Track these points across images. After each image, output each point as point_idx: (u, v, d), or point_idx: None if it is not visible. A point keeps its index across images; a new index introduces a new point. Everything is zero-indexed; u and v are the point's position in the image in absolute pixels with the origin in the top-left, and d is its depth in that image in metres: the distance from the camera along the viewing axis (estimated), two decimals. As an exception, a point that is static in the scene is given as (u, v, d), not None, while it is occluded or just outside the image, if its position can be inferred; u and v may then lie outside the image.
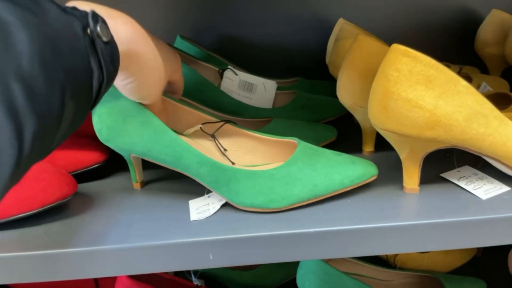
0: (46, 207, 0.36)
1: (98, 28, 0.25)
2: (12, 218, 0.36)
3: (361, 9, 0.70)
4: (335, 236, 0.36)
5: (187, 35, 0.66)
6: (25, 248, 0.35)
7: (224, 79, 0.59)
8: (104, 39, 0.26)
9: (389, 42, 0.50)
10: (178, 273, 0.66)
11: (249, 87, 0.60)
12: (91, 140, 0.45)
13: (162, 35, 0.66)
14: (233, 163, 0.41)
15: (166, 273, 0.61)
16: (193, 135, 0.42)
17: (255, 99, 0.60)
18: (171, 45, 0.57)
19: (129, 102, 0.37)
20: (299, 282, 0.57)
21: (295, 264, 0.67)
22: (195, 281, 0.61)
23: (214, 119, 0.43)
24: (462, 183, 0.40)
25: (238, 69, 0.61)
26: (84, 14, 0.25)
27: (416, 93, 0.34)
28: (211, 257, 0.35)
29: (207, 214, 0.37)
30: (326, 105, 0.58)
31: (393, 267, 0.64)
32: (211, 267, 0.35)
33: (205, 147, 0.42)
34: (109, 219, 0.38)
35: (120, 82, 0.33)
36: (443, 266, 0.66)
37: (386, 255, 0.66)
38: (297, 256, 0.36)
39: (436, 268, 0.66)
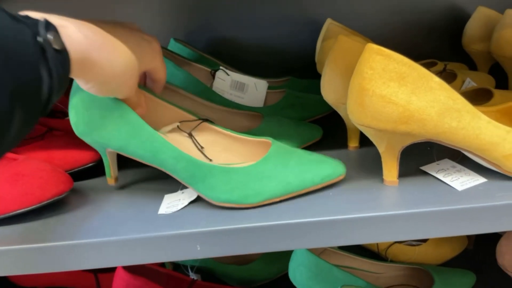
0: (43, 202, 0.38)
1: (50, 36, 0.25)
2: (12, 213, 0.38)
3: (351, 9, 0.71)
4: (318, 227, 0.37)
5: (180, 37, 0.68)
6: (24, 241, 0.37)
7: (216, 79, 0.61)
8: (56, 47, 0.26)
9: (378, 41, 0.52)
10: (175, 268, 0.68)
11: (240, 87, 0.62)
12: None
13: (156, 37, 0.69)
14: (210, 160, 0.42)
15: (164, 267, 0.63)
16: (170, 132, 0.43)
17: (246, 99, 0.62)
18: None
19: (105, 97, 0.38)
20: (291, 274, 0.59)
21: (288, 259, 0.69)
22: (192, 276, 0.63)
23: (192, 117, 0.44)
24: (440, 176, 0.42)
25: (230, 70, 0.63)
26: (35, 22, 0.25)
27: (390, 90, 0.36)
28: (198, 248, 0.37)
29: (175, 209, 0.39)
30: (315, 103, 0.60)
31: (384, 260, 0.66)
32: (199, 257, 0.37)
33: (183, 144, 0.43)
34: (103, 214, 0.40)
35: (82, 85, 0.34)
36: (434, 258, 0.68)
37: (378, 248, 0.68)
38: (281, 246, 0.38)
39: (427, 260, 0.68)
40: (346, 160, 0.44)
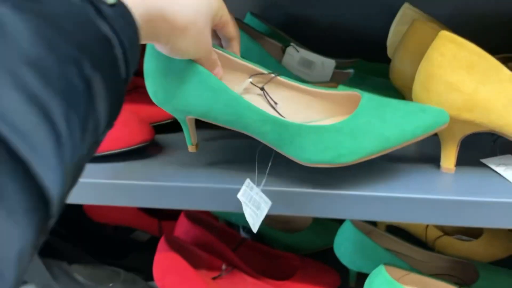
0: (130, 147, 0.44)
1: None
2: (103, 153, 0.45)
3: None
4: (373, 201, 0.39)
5: (256, 11, 0.72)
6: (109, 177, 0.43)
7: (286, 55, 0.64)
8: (109, 1, 0.23)
9: (452, 29, 0.51)
10: (229, 225, 0.73)
11: (308, 64, 0.64)
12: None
13: (232, 10, 0.73)
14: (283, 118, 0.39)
15: (218, 221, 0.69)
16: (244, 90, 0.41)
17: (313, 76, 0.64)
18: None
19: (184, 61, 0.36)
20: (336, 247, 0.62)
21: (334, 234, 0.72)
22: (243, 234, 0.68)
23: (264, 71, 0.41)
24: (500, 170, 0.42)
25: (300, 47, 0.65)
26: None
27: (458, 77, 0.37)
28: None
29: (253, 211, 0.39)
30: (380, 86, 0.60)
31: (431, 250, 0.66)
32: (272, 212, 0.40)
33: (256, 102, 0.39)
34: (178, 163, 0.46)
35: (155, 44, 0.32)
36: (483, 256, 0.67)
37: (426, 238, 0.69)
38: (339, 214, 0.41)
39: (474, 257, 0.67)
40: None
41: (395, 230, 0.71)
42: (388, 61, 0.70)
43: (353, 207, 0.40)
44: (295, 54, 0.64)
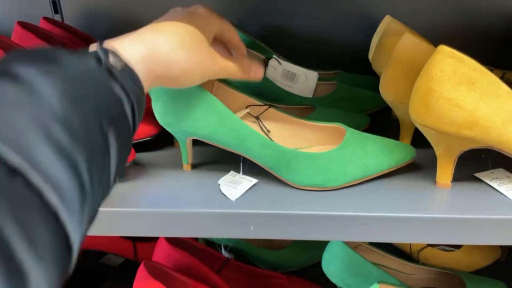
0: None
1: (110, 59, 0.27)
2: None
3: (407, 7, 0.70)
4: (368, 221, 0.38)
5: (235, 22, 0.69)
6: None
7: (269, 67, 0.62)
8: (119, 67, 0.27)
9: (432, 41, 0.51)
10: (208, 245, 0.70)
11: (291, 77, 0.63)
12: (146, 114, 0.49)
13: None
14: None
15: (198, 242, 0.66)
16: (241, 118, 0.44)
17: (296, 88, 0.63)
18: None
19: (193, 88, 0.39)
20: (324, 265, 0.60)
21: (319, 249, 0.70)
22: (225, 254, 0.65)
23: (260, 103, 0.46)
24: (494, 184, 0.42)
25: (281, 59, 0.63)
26: (95, 52, 0.27)
27: (458, 93, 0.36)
28: (252, 229, 0.39)
29: (235, 194, 0.40)
30: (366, 98, 0.60)
31: (415, 262, 0.66)
32: (251, 237, 0.39)
33: None
34: (161, 186, 0.42)
35: (169, 86, 0.34)
36: (465, 266, 0.68)
37: (410, 250, 0.68)
38: (331, 236, 0.39)
39: (458, 267, 0.67)
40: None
41: (378, 243, 0.71)
42: (367, 72, 0.70)
43: (347, 228, 0.39)
44: (278, 66, 0.62)
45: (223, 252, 0.67)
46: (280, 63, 0.63)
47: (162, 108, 0.41)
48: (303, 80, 0.63)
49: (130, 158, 0.42)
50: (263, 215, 0.38)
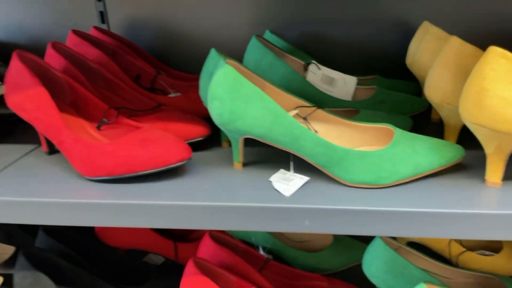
0: (168, 166, 0.42)
1: None
2: (141, 173, 0.42)
3: (443, 13, 0.71)
4: (422, 217, 0.39)
5: (272, 29, 0.71)
6: (141, 198, 0.41)
7: (309, 72, 0.64)
8: None
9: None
10: (249, 246, 0.71)
11: (330, 81, 0.64)
12: (196, 116, 0.52)
13: (250, 27, 0.72)
14: None
15: (240, 242, 0.67)
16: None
17: (335, 93, 0.64)
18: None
19: (251, 87, 0.41)
20: (365, 266, 0.61)
21: (357, 251, 0.71)
22: (264, 255, 0.66)
23: (309, 104, 0.47)
24: (543, 183, 0.42)
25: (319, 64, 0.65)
26: None
27: (510, 93, 0.37)
28: (306, 224, 0.40)
29: (288, 190, 0.42)
30: (405, 102, 0.61)
31: (455, 266, 0.66)
32: (306, 231, 0.40)
33: None
34: (216, 182, 0.44)
35: None
36: (505, 270, 0.67)
37: (450, 254, 0.68)
38: (386, 232, 0.40)
39: (497, 272, 0.67)
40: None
41: (416, 246, 0.71)
42: (403, 77, 0.72)
43: (401, 224, 0.40)
44: (317, 71, 0.64)
45: (262, 252, 0.68)
46: (319, 68, 0.64)
47: (219, 108, 0.42)
48: (341, 85, 0.65)
49: (187, 156, 0.44)
50: (318, 210, 0.39)
